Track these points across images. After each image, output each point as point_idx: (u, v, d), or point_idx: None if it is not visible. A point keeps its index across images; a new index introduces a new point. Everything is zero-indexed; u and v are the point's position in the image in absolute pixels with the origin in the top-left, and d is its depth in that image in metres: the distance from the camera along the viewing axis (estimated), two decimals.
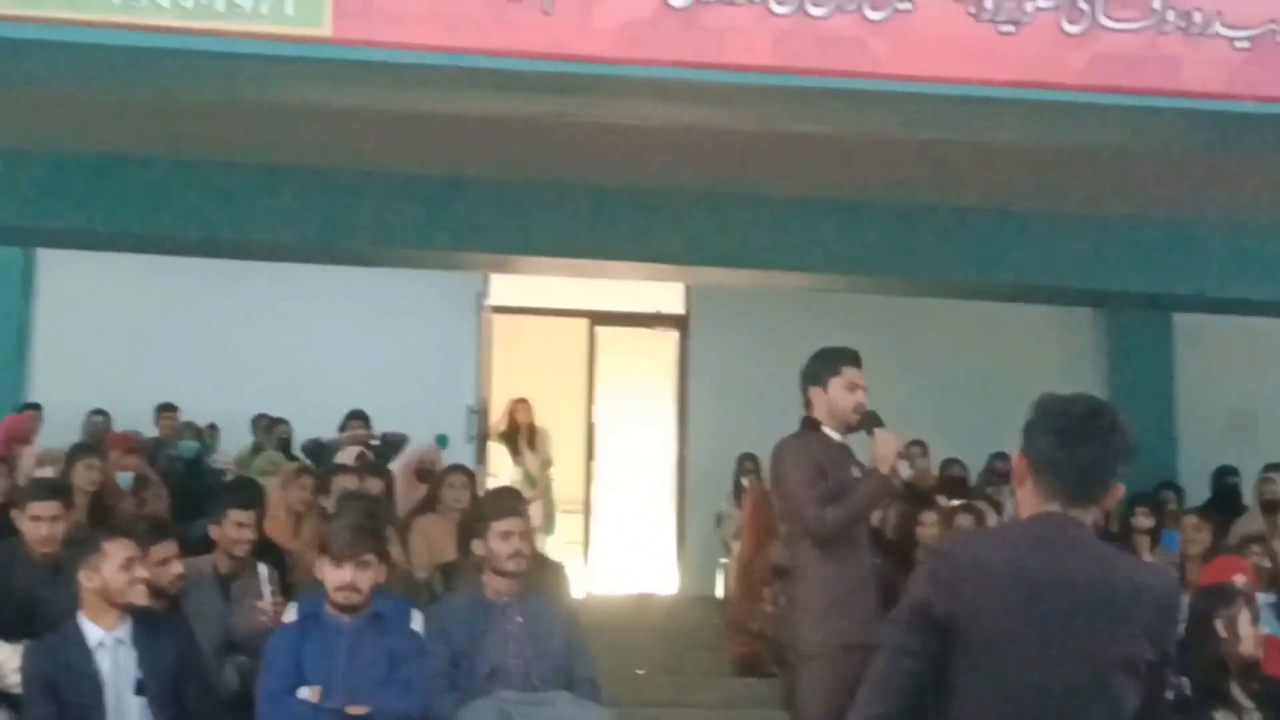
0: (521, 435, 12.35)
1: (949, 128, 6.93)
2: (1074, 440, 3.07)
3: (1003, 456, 10.72)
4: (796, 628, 5.34)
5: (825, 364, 5.55)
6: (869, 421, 5.39)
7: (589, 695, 5.65)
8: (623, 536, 13.53)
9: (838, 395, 5.45)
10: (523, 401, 12.51)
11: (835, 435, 5.44)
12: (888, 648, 3.13)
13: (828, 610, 5.20)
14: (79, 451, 8.31)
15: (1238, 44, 6.16)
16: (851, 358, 5.56)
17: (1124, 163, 8.70)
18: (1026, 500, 3.13)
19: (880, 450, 5.29)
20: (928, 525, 8.52)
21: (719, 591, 11.03)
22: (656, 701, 9.00)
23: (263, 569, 5.94)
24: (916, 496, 9.28)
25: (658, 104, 6.52)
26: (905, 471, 5.24)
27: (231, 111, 7.98)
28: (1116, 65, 6.15)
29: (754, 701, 9.30)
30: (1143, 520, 9.68)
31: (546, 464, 12.46)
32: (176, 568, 5.68)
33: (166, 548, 5.72)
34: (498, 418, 12.52)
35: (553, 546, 12.72)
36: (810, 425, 5.49)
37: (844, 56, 6.09)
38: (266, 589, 5.85)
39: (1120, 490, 3.21)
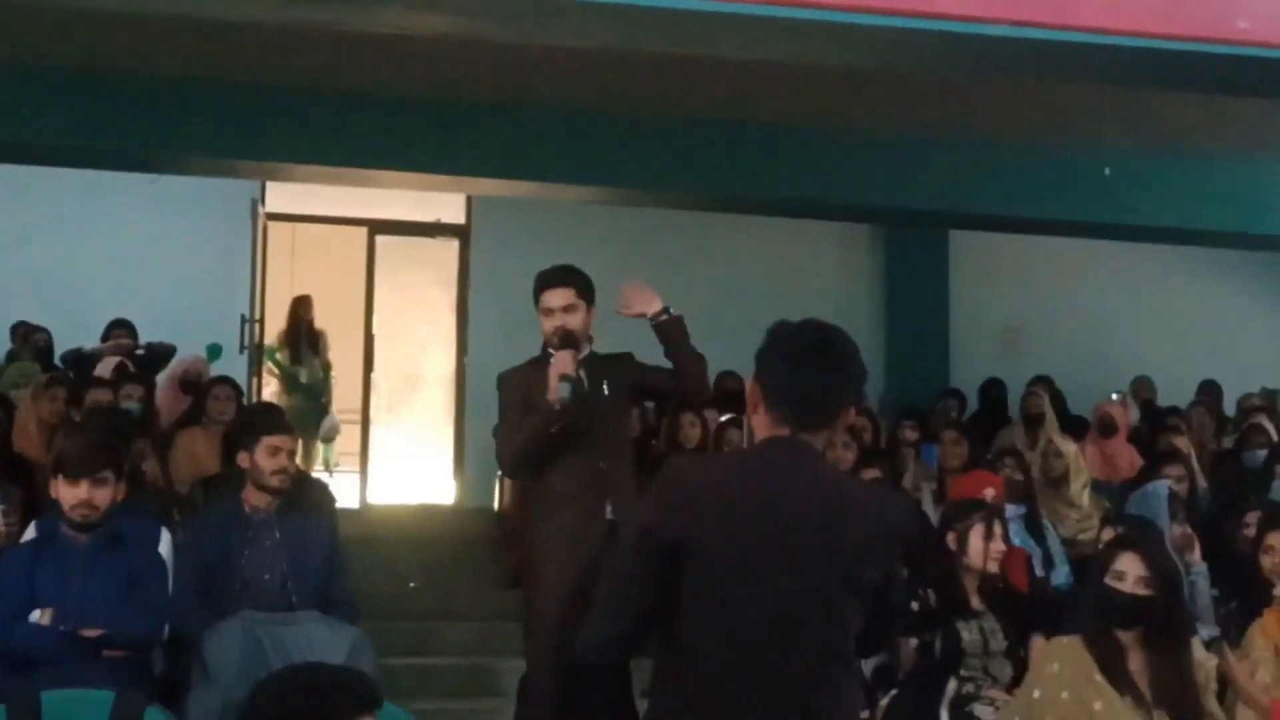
0: (303, 337, 12.06)
1: (713, 45, 6.91)
2: (804, 366, 3.09)
3: None
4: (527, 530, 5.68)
5: (532, 294, 5.66)
6: (558, 344, 5.47)
7: (345, 617, 5.61)
8: (401, 448, 13.43)
9: (541, 322, 5.58)
10: (305, 299, 12.21)
11: None
12: (616, 571, 3.13)
13: (546, 517, 5.45)
14: None
15: None
16: (541, 282, 5.62)
17: (896, 82, 8.80)
18: (759, 426, 3.13)
19: (549, 374, 5.37)
20: (687, 427, 8.89)
21: (495, 503, 11.01)
22: (425, 614, 8.99)
23: (5, 488, 5.73)
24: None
25: (422, 14, 6.39)
26: (563, 393, 5.26)
27: None
28: None
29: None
30: (908, 433, 9.90)
31: (327, 368, 12.24)
32: None
33: None
34: (277, 325, 12.27)
35: (336, 454, 12.57)
36: (544, 352, 5.59)
37: None
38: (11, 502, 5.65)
39: (851, 414, 3.24)
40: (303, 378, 12.03)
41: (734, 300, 12.66)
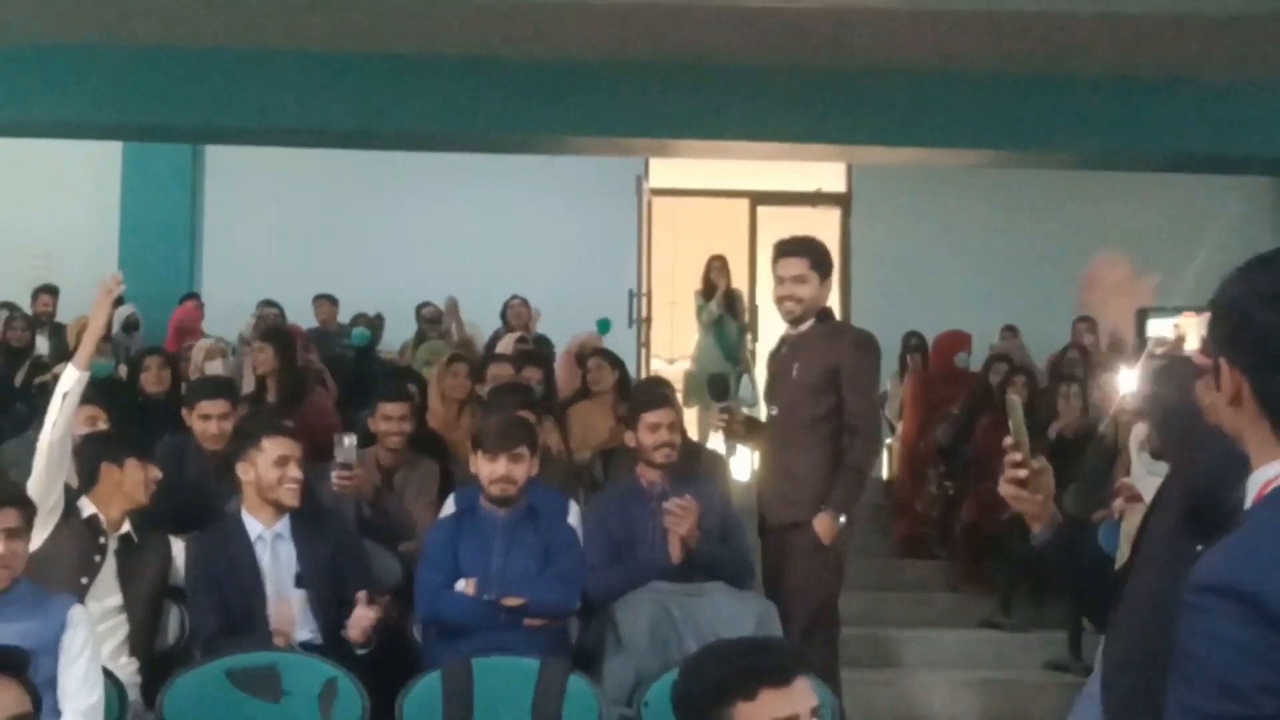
0: (718, 300, 11.47)
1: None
2: None
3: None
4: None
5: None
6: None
7: (736, 578, 5.67)
8: None
9: (773, 289, 5.91)
10: (720, 259, 11.66)
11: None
12: None
13: None
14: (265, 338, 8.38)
15: None
16: (776, 251, 5.84)
17: None
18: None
19: None
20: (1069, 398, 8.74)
21: (884, 472, 10.95)
22: None
23: (346, 439, 5.81)
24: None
25: None
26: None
27: (389, 5, 8.02)
28: None
29: (918, 583, 9.29)
30: None
31: (744, 331, 11.78)
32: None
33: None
34: (664, 298, 12.40)
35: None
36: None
37: None
38: (350, 457, 5.76)
39: None
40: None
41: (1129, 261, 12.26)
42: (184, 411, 6.46)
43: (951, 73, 9.54)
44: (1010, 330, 11.69)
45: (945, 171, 12.13)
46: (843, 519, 5.60)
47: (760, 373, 13.17)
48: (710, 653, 2.81)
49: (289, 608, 5.06)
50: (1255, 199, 12.93)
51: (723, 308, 11.40)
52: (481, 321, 10.99)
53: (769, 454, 5.86)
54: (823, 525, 5.55)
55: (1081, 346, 10.89)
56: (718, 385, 5.81)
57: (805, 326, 5.71)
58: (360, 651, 4.96)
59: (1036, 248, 12.72)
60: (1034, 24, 8.27)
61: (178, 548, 5.31)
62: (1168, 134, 10.02)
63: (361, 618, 4.94)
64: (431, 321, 11.12)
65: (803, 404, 5.67)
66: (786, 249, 5.71)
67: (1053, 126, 9.92)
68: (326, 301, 11.81)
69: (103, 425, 5.98)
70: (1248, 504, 2.03)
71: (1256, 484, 2.03)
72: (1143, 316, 3.39)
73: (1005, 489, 3.18)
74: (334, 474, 5.69)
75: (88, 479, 5.18)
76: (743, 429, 6.03)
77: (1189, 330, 2.92)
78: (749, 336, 11.98)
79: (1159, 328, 3.37)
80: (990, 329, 11.66)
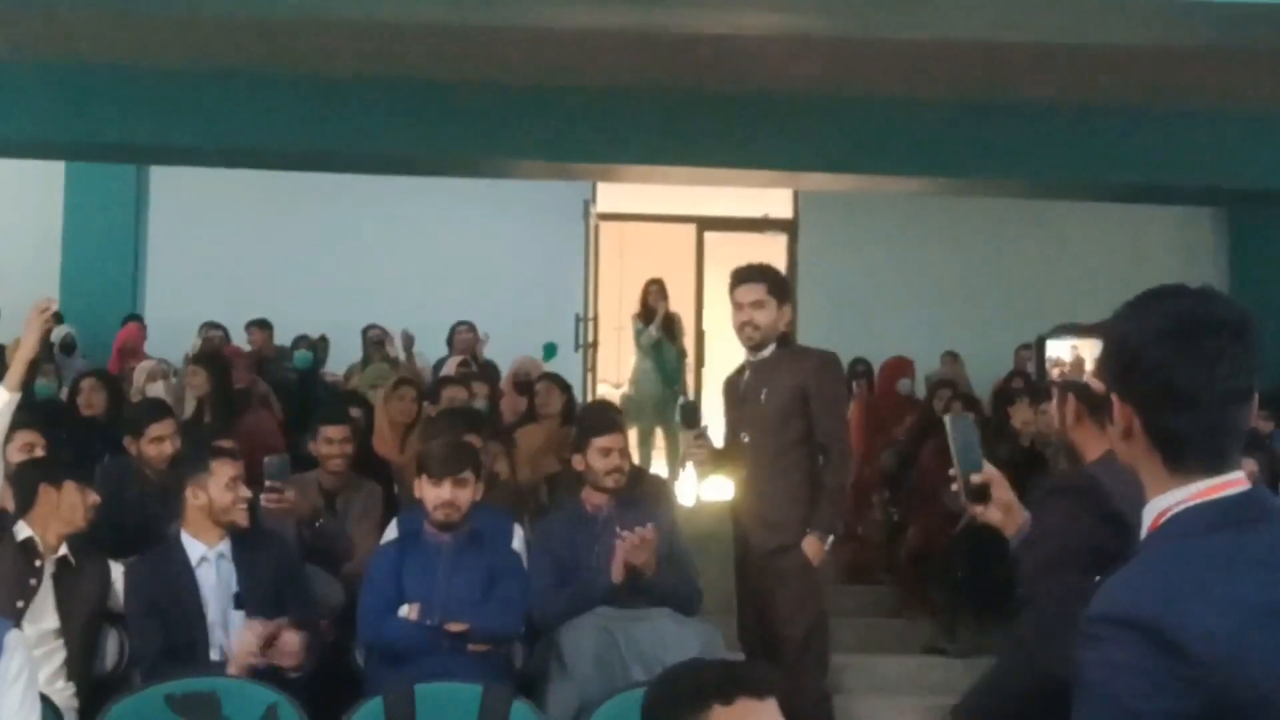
0: (657, 323, 11.35)
1: (1050, 30, 6.75)
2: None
3: None
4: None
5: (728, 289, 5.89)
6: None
7: (684, 606, 5.65)
8: None
9: (732, 316, 5.85)
10: (658, 283, 11.50)
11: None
12: None
13: None
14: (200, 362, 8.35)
15: None
16: (734, 278, 5.79)
17: (1237, 58, 8.43)
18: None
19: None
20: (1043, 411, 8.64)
21: None
22: None
23: (270, 460, 5.80)
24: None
25: (754, 13, 6.41)
26: None
27: (338, 27, 8.01)
28: None
29: (860, 609, 9.27)
30: (1262, 425, 9.47)
31: (683, 355, 11.77)
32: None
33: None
34: (610, 323, 12.39)
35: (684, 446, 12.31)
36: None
37: None
38: (277, 477, 5.73)
39: None
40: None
41: (1068, 290, 12.36)
42: (127, 439, 6.38)
43: (898, 100, 9.61)
44: (951, 355, 11.74)
45: (891, 198, 12.19)
46: (830, 538, 5.66)
47: (714, 398, 13.23)
48: (688, 663, 2.84)
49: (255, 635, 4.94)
50: (1195, 227, 13.06)
51: (661, 331, 11.40)
52: (428, 346, 10.94)
53: (746, 481, 5.84)
54: (811, 547, 5.61)
55: (1024, 373, 10.96)
56: (690, 413, 5.79)
57: (767, 352, 5.74)
58: (292, 675, 4.91)
59: (982, 275, 12.81)
60: (979, 53, 8.33)
61: (116, 572, 5.25)
62: (1113, 163, 10.13)
63: (289, 641, 4.89)
64: (377, 344, 11.03)
65: (776, 430, 5.71)
66: (744, 276, 5.75)
67: (998, 155, 10.01)
68: (258, 328, 11.64)
69: (40, 452, 5.90)
70: (1143, 534, 2.06)
71: (1151, 514, 2.05)
72: (1041, 341, 3.45)
73: (964, 506, 3.27)
74: (263, 495, 5.65)
75: (25, 501, 5.12)
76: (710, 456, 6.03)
77: (1086, 353, 2.94)
78: (686, 362, 11.95)
79: (1057, 348, 3.41)
80: (935, 355, 11.72)
